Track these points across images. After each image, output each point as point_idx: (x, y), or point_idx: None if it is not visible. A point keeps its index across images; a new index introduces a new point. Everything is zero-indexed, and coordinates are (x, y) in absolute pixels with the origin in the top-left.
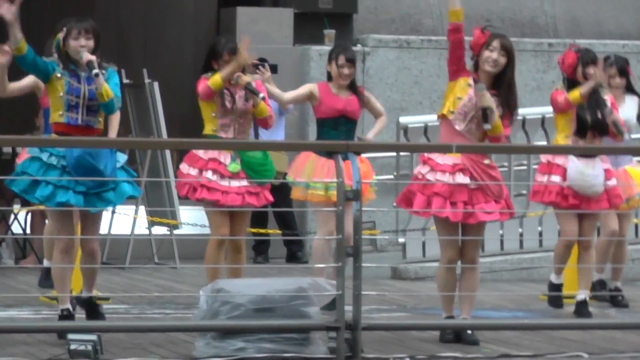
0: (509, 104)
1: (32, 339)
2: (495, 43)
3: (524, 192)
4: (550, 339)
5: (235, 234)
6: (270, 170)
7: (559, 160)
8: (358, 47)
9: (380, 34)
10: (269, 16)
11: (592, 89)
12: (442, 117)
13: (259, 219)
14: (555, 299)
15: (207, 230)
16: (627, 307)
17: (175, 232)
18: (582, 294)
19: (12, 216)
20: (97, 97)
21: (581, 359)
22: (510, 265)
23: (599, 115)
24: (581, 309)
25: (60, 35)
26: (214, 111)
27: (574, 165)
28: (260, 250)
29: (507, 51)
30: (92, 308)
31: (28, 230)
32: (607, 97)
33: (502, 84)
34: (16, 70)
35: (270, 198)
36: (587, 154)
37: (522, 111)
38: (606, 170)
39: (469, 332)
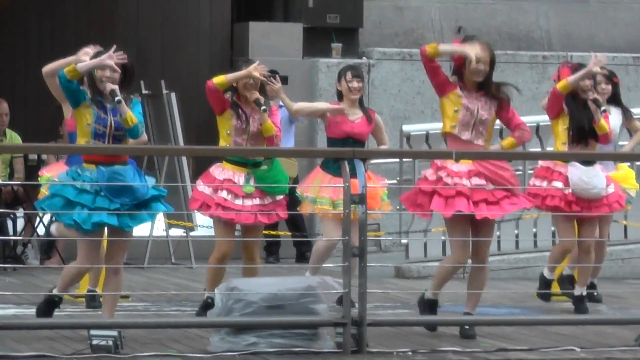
0: (504, 98)
1: (56, 334)
2: (480, 48)
3: None
4: (544, 334)
5: (249, 246)
6: (283, 183)
7: (560, 168)
8: (364, 60)
9: (385, 47)
10: (279, 31)
11: (582, 78)
12: (447, 134)
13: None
14: (545, 293)
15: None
16: (600, 302)
17: (191, 234)
18: (579, 290)
19: (38, 219)
20: (122, 123)
21: (573, 352)
22: (507, 264)
23: (592, 124)
24: (579, 304)
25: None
26: (228, 129)
27: (575, 170)
28: (272, 250)
29: (490, 52)
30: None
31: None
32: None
33: (490, 85)
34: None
35: (283, 215)
36: (580, 159)
37: None
38: (606, 177)
39: (467, 327)
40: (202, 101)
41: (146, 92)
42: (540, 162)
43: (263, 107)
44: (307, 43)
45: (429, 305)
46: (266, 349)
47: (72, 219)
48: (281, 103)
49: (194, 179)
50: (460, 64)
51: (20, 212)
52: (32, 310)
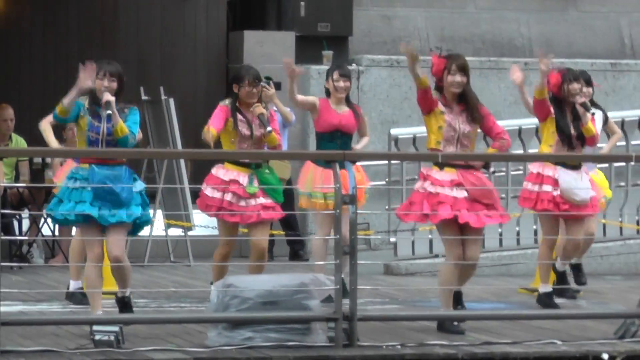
0: (479, 111)
1: (60, 330)
2: (454, 66)
3: (503, 195)
4: (527, 328)
5: (257, 243)
6: (278, 196)
7: (549, 171)
8: (353, 67)
9: (374, 55)
10: (273, 39)
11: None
12: (433, 150)
13: None
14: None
15: (217, 232)
16: (575, 298)
17: (189, 233)
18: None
19: (42, 219)
20: (113, 133)
21: (555, 345)
22: (491, 261)
23: (580, 127)
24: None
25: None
26: (233, 138)
27: (565, 177)
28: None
29: (464, 69)
30: (124, 305)
31: (57, 232)
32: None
33: (468, 97)
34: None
35: (281, 214)
36: (561, 161)
37: (501, 123)
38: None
39: (455, 323)
40: (199, 106)
41: (146, 98)
42: (530, 167)
43: (269, 129)
44: (300, 50)
45: (446, 323)
46: (261, 343)
47: (60, 214)
48: (275, 108)
49: (191, 181)
50: (439, 78)
51: (25, 213)
52: (38, 307)
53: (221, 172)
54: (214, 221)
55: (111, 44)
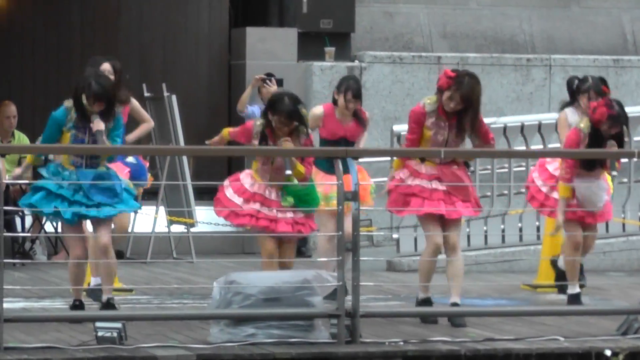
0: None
1: (63, 326)
2: (456, 95)
3: (505, 192)
4: (529, 324)
5: (286, 264)
6: (316, 198)
7: (554, 194)
8: (356, 63)
9: (376, 51)
10: (275, 36)
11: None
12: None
13: None
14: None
15: (220, 228)
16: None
17: (192, 229)
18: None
19: (45, 217)
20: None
21: (558, 341)
22: (493, 258)
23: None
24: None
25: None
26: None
27: (582, 190)
28: None
29: (466, 100)
30: (110, 308)
31: (59, 229)
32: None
33: (465, 123)
34: None
35: (315, 226)
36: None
37: (503, 119)
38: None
39: None
40: (202, 103)
41: (148, 94)
42: (546, 163)
43: (287, 173)
44: (302, 47)
45: (425, 305)
46: (264, 339)
47: (52, 208)
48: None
49: (194, 177)
50: (444, 89)
51: (28, 210)
52: (40, 304)
53: (247, 180)
54: (216, 218)
55: (114, 41)
